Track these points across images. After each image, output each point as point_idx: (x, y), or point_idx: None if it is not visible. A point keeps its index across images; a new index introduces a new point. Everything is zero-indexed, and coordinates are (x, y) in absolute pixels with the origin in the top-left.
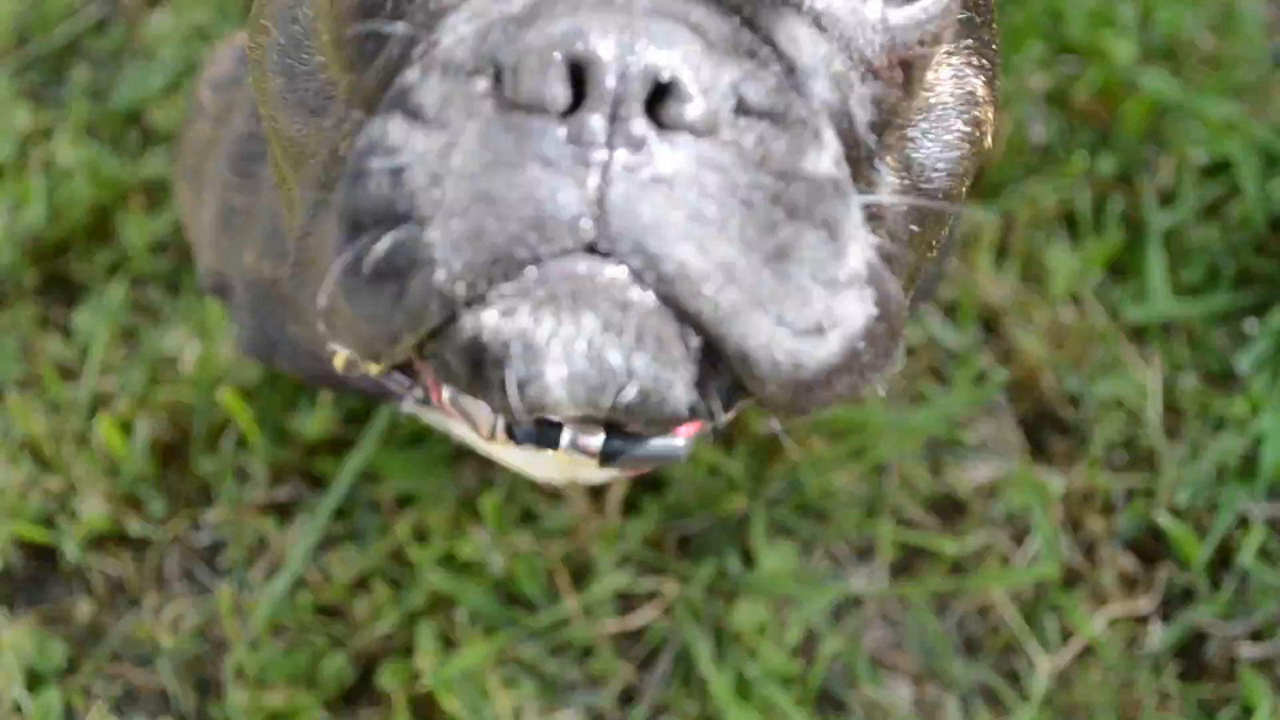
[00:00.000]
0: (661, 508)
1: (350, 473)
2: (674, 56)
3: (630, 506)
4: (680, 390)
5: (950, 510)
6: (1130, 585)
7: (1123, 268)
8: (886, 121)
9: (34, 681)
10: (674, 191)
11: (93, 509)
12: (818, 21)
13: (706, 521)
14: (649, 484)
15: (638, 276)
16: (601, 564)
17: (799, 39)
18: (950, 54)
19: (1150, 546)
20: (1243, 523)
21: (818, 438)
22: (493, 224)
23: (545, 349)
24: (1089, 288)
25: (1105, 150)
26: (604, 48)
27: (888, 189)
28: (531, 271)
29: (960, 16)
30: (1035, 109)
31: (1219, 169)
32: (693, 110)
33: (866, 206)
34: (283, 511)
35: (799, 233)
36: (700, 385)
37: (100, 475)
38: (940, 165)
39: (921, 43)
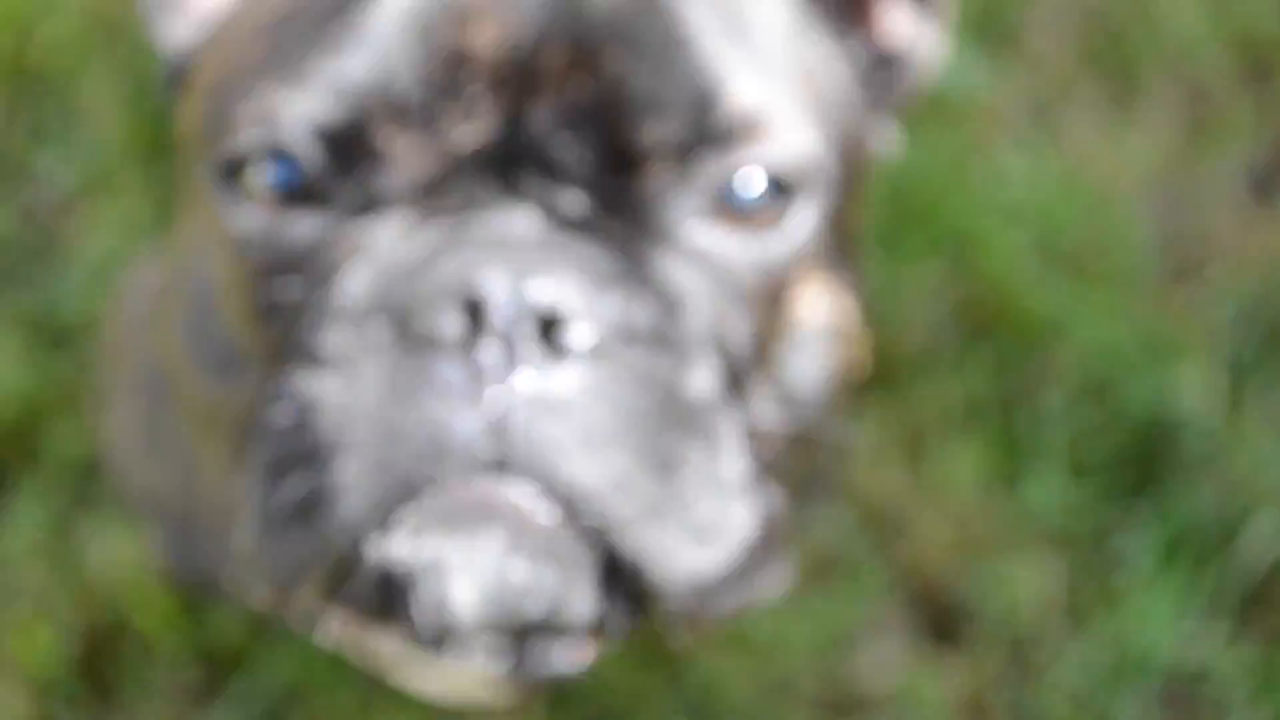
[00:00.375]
0: None
1: (265, 690)
2: (560, 288)
3: None
4: (584, 602)
5: (850, 709)
6: None
7: (1016, 463)
8: (759, 345)
9: None
10: (567, 412)
11: None
12: (691, 255)
13: None
14: (551, 699)
15: (538, 494)
16: None
17: (674, 271)
18: (818, 280)
19: None
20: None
21: (716, 645)
22: (396, 453)
23: (451, 570)
24: (982, 485)
25: (997, 342)
26: (494, 284)
27: (763, 408)
28: (434, 495)
29: (827, 246)
30: (922, 306)
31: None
32: (580, 337)
33: (743, 424)
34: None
35: (683, 446)
36: (603, 596)
37: (14, 691)
38: (811, 390)
39: (789, 271)
